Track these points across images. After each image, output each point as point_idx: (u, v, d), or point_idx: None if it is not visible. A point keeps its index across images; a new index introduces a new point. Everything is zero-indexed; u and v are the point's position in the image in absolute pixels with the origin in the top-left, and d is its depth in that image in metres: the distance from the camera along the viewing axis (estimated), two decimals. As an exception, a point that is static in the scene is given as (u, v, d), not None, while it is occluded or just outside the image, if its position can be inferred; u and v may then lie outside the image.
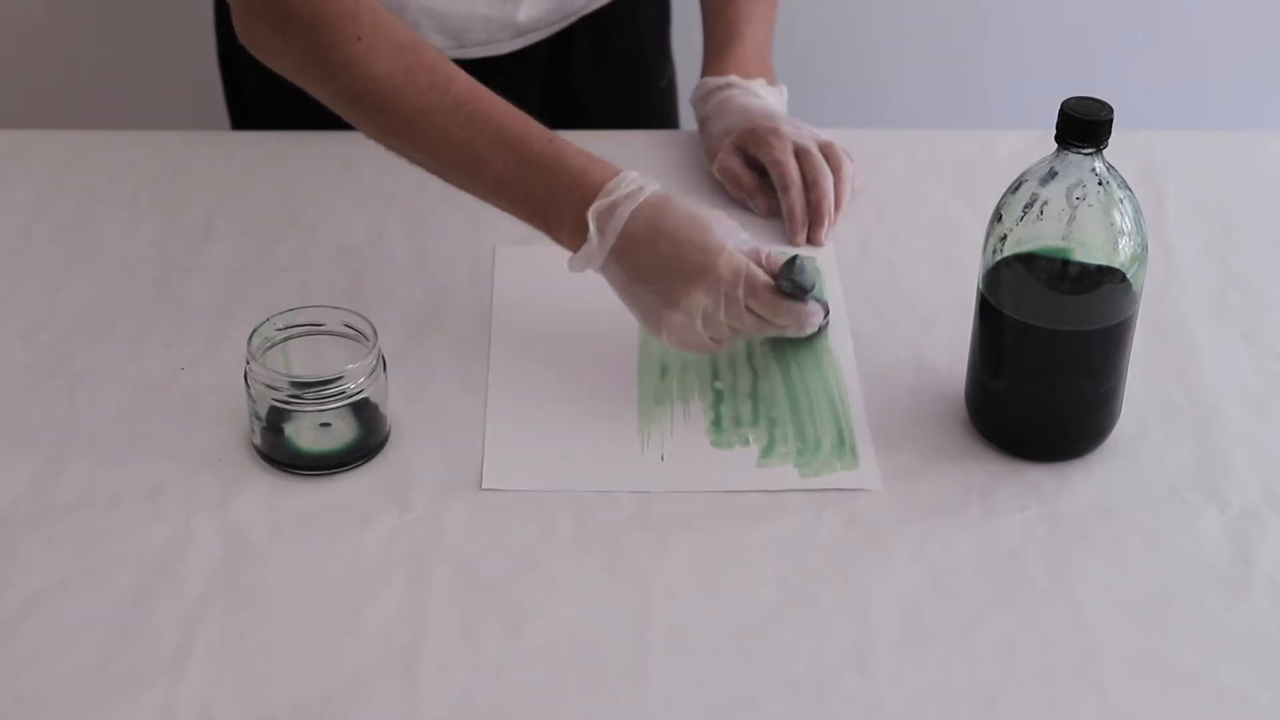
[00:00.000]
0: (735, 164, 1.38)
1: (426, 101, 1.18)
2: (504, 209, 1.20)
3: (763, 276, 1.15)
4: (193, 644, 1.00)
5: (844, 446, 1.15)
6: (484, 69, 1.48)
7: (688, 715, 0.97)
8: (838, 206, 1.35)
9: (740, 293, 1.14)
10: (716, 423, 1.16)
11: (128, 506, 1.09)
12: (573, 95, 1.58)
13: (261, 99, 1.54)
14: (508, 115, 1.18)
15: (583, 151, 1.18)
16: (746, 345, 1.22)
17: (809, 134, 1.38)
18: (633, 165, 1.18)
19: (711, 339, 1.16)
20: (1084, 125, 1.04)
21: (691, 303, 1.14)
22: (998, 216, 1.09)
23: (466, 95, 1.18)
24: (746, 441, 1.15)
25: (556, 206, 1.17)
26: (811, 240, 1.34)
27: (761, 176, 1.38)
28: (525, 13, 1.46)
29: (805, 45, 1.68)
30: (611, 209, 1.15)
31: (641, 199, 1.15)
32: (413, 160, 1.21)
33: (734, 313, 1.15)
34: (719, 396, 1.18)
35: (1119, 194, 1.07)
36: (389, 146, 1.22)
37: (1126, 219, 1.07)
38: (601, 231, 1.15)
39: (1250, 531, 1.09)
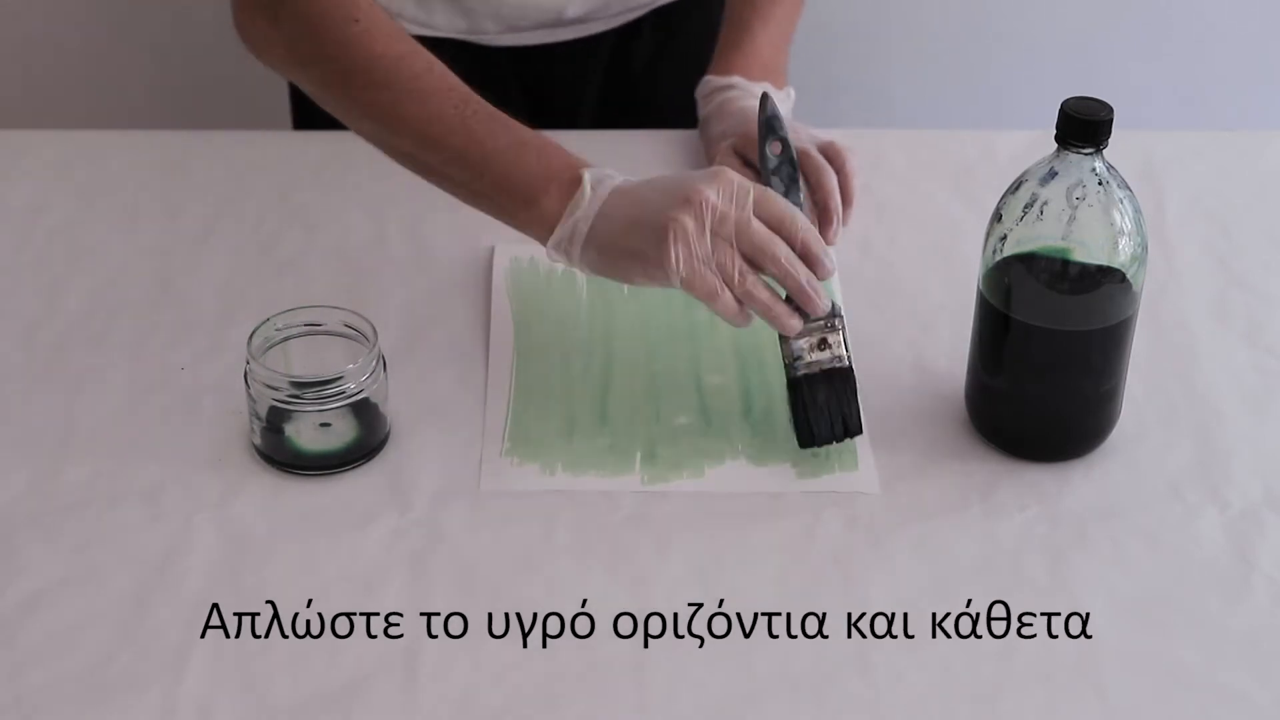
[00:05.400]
0: (735, 165, 1.37)
1: (424, 83, 1.19)
2: (476, 191, 1.18)
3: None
4: (193, 644, 1.00)
5: (843, 446, 1.14)
6: (540, 57, 1.48)
7: (688, 715, 0.97)
8: (847, 202, 1.34)
9: (734, 199, 1.09)
10: (712, 423, 1.16)
11: (128, 506, 1.09)
12: (635, 92, 1.56)
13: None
14: (492, 104, 1.20)
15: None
16: (740, 344, 1.22)
17: (807, 136, 1.38)
18: (631, 165, 1.18)
19: (721, 276, 1.09)
20: (1084, 125, 1.04)
21: (681, 224, 1.08)
22: (998, 216, 1.09)
23: (458, 82, 1.20)
24: (744, 441, 1.15)
25: (546, 177, 1.15)
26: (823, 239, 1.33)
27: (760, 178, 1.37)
28: (574, 9, 1.46)
29: (806, 45, 1.67)
30: (603, 178, 1.14)
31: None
32: (390, 145, 1.21)
33: (732, 225, 1.09)
34: (715, 396, 1.18)
35: (1119, 194, 1.07)
36: (368, 131, 1.21)
37: (1126, 219, 1.07)
38: (595, 187, 1.13)
39: (1250, 531, 1.09)
